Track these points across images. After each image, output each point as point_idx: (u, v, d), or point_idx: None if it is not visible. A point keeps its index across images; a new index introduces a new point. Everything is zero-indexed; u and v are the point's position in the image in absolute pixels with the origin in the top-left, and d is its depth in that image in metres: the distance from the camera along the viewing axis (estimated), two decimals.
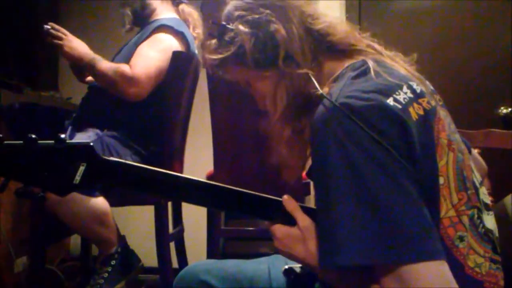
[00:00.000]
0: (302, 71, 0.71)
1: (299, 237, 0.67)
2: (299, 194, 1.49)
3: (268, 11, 0.73)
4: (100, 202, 1.40)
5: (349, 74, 0.67)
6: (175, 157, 1.70)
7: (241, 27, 0.73)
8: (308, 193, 1.58)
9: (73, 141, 0.65)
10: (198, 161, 2.03)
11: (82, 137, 1.43)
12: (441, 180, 0.61)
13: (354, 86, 0.64)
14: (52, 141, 0.63)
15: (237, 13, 0.75)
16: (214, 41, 0.77)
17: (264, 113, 0.78)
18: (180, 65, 1.60)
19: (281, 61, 0.71)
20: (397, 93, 0.62)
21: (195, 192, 0.71)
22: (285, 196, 0.71)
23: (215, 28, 0.77)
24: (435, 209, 0.60)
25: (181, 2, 1.75)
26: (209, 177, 1.71)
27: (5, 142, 0.61)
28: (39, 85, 2.79)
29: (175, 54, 1.57)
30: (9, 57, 2.91)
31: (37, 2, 3.36)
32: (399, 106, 0.60)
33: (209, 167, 1.65)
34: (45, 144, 0.63)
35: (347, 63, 0.71)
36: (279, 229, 0.69)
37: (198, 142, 2.06)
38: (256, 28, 0.72)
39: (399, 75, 0.67)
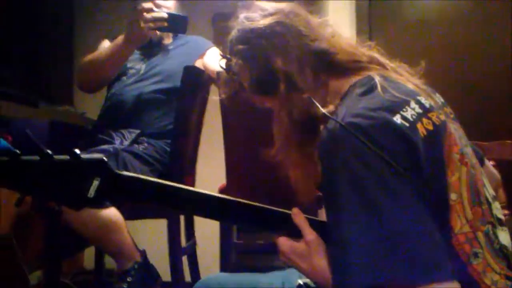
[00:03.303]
0: (304, 95, 0.71)
1: (304, 251, 0.67)
2: (312, 207, 1.48)
3: (264, 41, 0.74)
4: (112, 212, 1.42)
5: (356, 91, 0.67)
6: (187, 171, 1.71)
7: (240, 62, 0.76)
8: (321, 206, 1.58)
9: (87, 156, 0.66)
10: (210, 174, 2.03)
11: (97, 151, 1.45)
12: (454, 196, 0.61)
13: (360, 104, 0.64)
14: (67, 156, 0.64)
15: (236, 47, 0.78)
16: (223, 72, 0.83)
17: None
18: (192, 79, 1.62)
19: (282, 89, 0.73)
20: (404, 109, 0.62)
21: (205, 205, 0.72)
22: (294, 209, 0.71)
23: (223, 61, 0.82)
24: (448, 226, 0.60)
25: None
26: (222, 191, 1.71)
27: (22, 157, 0.63)
28: (54, 100, 2.84)
29: (187, 69, 1.59)
30: (25, 72, 2.98)
31: (53, 17, 3.45)
32: (406, 124, 0.60)
33: (222, 180, 1.66)
34: (60, 159, 0.64)
35: (353, 79, 0.71)
36: (285, 243, 0.69)
37: (211, 155, 2.07)
38: (254, 61, 0.75)
39: (406, 90, 0.66)
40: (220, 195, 0.73)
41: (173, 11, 1.72)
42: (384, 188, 0.57)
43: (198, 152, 1.86)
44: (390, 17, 2.41)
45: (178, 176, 1.60)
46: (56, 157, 0.64)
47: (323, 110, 0.68)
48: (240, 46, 0.76)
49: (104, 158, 0.67)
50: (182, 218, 1.78)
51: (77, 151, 0.65)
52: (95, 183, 0.65)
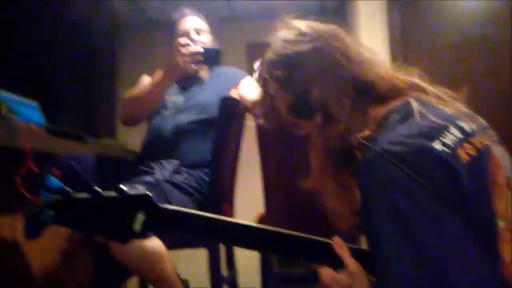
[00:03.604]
0: (339, 125, 0.71)
1: (346, 282, 0.66)
2: (353, 234, 1.45)
3: (302, 69, 0.74)
4: (155, 242, 1.44)
5: (393, 117, 0.67)
6: (225, 199, 1.73)
7: (276, 85, 0.76)
8: (362, 233, 1.54)
9: (132, 191, 0.69)
10: (249, 202, 2.04)
11: (139, 183, 1.49)
12: (502, 223, 0.59)
13: (398, 131, 0.63)
14: (114, 192, 0.68)
15: (272, 70, 0.77)
16: (260, 91, 0.82)
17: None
18: (228, 109, 1.66)
19: (317, 118, 0.73)
20: (443, 135, 0.60)
21: (244, 236, 0.73)
22: (335, 238, 0.70)
23: (259, 81, 0.82)
24: (497, 255, 0.57)
25: None
26: (260, 219, 1.71)
27: (73, 195, 0.67)
28: (98, 134, 2.98)
29: (223, 100, 1.64)
30: (71, 107, 3.14)
31: (96, 55, 3.64)
32: (446, 150, 0.59)
33: (261, 208, 1.66)
34: (108, 196, 0.68)
35: (391, 105, 0.71)
36: (327, 274, 0.68)
37: (248, 183, 2.09)
38: (290, 87, 0.74)
39: (445, 114, 0.65)
40: (259, 225, 0.74)
41: (208, 44, 1.78)
42: (423, 215, 0.56)
43: (236, 180, 1.88)
44: (425, 42, 2.38)
45: (217, 205, 1.62)
46: (104, 193, 0.68)
47: (360, 139, 0.67)
48: (277, 71, 0.76)
49: (148, 193, 0.69)
50: (222, 247, 1.79)
51: (123, 187, 0.68)
52: (140, 217, 0.68)
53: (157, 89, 1.69)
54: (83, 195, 0.67)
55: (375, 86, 0.73)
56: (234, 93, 1.81)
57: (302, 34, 0.77)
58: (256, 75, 0.83)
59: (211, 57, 1.63)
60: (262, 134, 1.56)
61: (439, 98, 0.72)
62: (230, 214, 1.79)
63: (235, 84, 1.84)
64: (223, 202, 1.70)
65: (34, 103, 1.95)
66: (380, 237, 0.58)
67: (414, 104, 0.66)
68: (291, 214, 1.54)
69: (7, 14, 2.60)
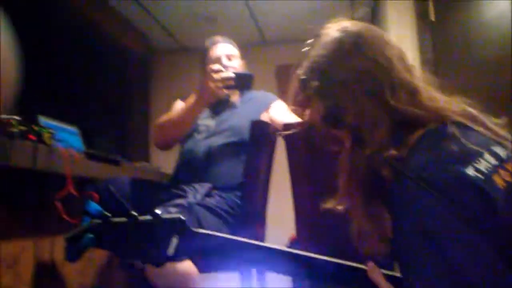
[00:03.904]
0: (370, 146, 0.69)
1: None
2: (387, 260, 1.42)
3: (339, 88, 0.72)
4: (187, 265, 1.46)
5: (428, 140, 0.66)
6: (257, 222, 1.74)
7: (311, 94, 0.75)
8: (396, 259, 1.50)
9: (166, 215, 0.72)
10: (280, 224, 2.03)
11: (172, 206, 1.52)
12: None
13: (431, 155, 0.62)
14: (150, 217, 0.70)
15: (309, 77, 0.75)
16: (298, 92, 0.80)
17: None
18: (259, 132, 1.68)
19: (347, 141, 0.72)
20: (477, 161, 0.59)
21: (277, 261, 0.73)
22: (370, 264, 0.69)
23: (298, 85, 0.79)
24: None
25: None
26: (292, 241, 1.70)
27: (112, 219, 0.69)
28: (132, 157, 3.06)
29: (254, 123, 1.66)
30: (106, 131, 3.25)
31: (130, 82, 3.78)
32: (480, 176, 0.58)
33: (292, 230, 1.65)
34: (143, 220, 0.70)
35: (427, 127, 0.69)
36: None
37: (280, 205, 2.08)
38: (324, 102, 0.73)
39: (480, 140, 0.64)
40: (291, 250, 0.74)
41: (239, 69, 1.83)
42: (457, 241, 0.55)
43: (267, 203, 1.88)
44: (456, 61, 2.34)
45: (249, 228, 1.63)
46: (140, 217, 0.70)
47: (391, 161, 0.67)
48: (313, 83, 0.74)
49: (182, 217, 0.71)
50: (254, 271, 1.78)
51: (158, 211, 0.71)
52: (174, 241, 0.70)
53: (190, 114, 1.74)
54: (121, 219, 0.70)
55: (415, 111, 0.70)
56: (265, 117, 1.84)
57: (340, 41, 0.74)
58: (296, 74, 0.79)
59: (242, 82, 1.67)
60: (294, 157, 1.56)
61: (474, 120, 0.70)
62: (262, 237, 1.78)
63: (266, 107, 1.86)
64: (255, 224, 1.70)
65: (74, 129, 2.04)
66: (412, 261, 0.58)
67: (450, 128, 0.65)
68: (323, 237, 1.52)
69: (47, 45, 2.76)
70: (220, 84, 1.62)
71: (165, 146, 1.91)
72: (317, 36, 0.78)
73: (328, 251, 0.75)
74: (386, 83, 0.71)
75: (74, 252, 0.69)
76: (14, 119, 1.32)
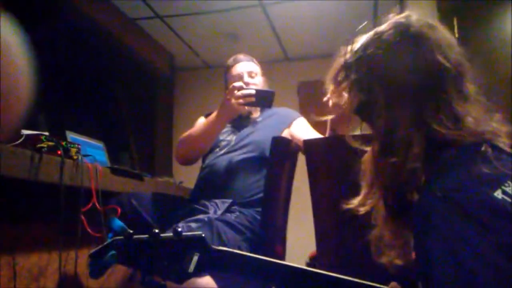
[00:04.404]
0: (395, 159, 0.67)
1: None
2: (410, 279, 1.39)
3: (379, 89, 0.69)
4: (207, 281, 1.46)
5: (459, 161, 0.64)
6: (277, 238, 1.73)
7: (354, 88, 0.72)
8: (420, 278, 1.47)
9: (188, 234, 0.73)
10: (301, 240, 2.02)
11: (193, 221, 1.53)
12: None
13: (461, 175, 0.61)
14: (171, 234, 0.71)
15: (352, 76, 0.74)
16: (339, 72, 0.77)
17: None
18: (280, 149, 1.69)
19: (376, 141, 0.70)
20: (506, 184, 0.58)
21: (297, 280, 0.72)
22: (393, 284, 0.68)
23: (342, 65, 0.76)
24: None
25: None
26: (312, 258, 1.68)
27: (134, 236, 0.71)
28: (155, 172, 3.10)
29: (275, 139, 1.67)
30: (131, 147, 3.32)
31: (154, 99, 3.85)
32: (509, 200, 0.57)
33: (312, 247, 1.64)
34: (165, 237, 0.71)
35: (460, 144, 0.66)
36: None
37: (300, 221, 2.07)
38: (362, 89, 0.70)
39: (510, 163, 0.62)
40: (313, 270, 0.73)
41: (260, 86, 1.85)
42: (484, 267, 0.53)
43: (287, 219, 1.87)
44: (481, 77, 2.30)
45: (269, 244, 1.62)
46: (162, 235, 0.71)
47: (419, 180, 0.64)
48: (357, 71, 0.72)
49: (203, 235, 0.72)
50: None
51: (179, 227, 0.72)
52: (195, 258, 0.71)
53: (211, 130, 1.77)
54: (143, 236, 0.71)
55: (454, 135, 0.66)
56: (286, 133, 1.84)
57: (397, 43, 0.71)
58: (345, 53, 0.75)
59: (263, 99, 1.68)
60: (314, 174, 1.56)
61: (509, 139, 0.67)
62: (282, 254, 1.77)
63: (288, 124, 1.87)
64: (275, 241, 1.70)
65: (100, 144, 2.10)
66: (436, 281, 0.57)
67: (484, 149, 0.63)
68: (343, 256, 1.50)
69: (77, 63, 2.86)
70: (241, 101, 1.64)
71: (187, 162, 1.93)
72: (379, 24, 0.74)
73: (348, 268, 0.75)
74: (431, 102, 0.67)
75: (97, 268, 0.71)
76: (43, 135, 1.37)
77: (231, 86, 1.69)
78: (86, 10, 2.76)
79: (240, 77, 1.86)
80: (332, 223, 1.52)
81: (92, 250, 0.72)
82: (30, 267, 1.42)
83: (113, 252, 0.70)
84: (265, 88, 1.86)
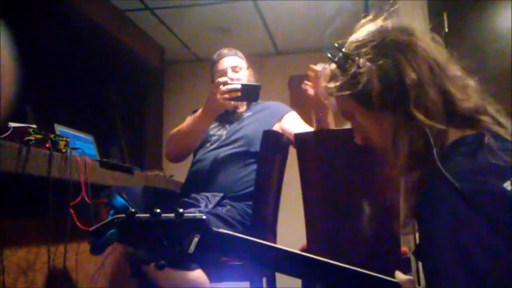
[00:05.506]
0: (429, 123, 0.65)
1: None
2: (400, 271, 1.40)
3: (398, 53, 0.69)
4: (199, 274, 1.46)
5: (464, 149, 0.64)
6: (268, 232, 1.73)
7: (369, 66, 0.69)
8: (409, 269, 1.49)
9: (189, 215, 0.73)
10: (291, 235, 2.02)
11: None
12: None
13: (469, 166, 0.61)
14: (173, 215, 0.71)
15: (364, 49, 0.72)
16: (334, 67, 0.75)
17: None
18: (271, 142, 1.69)
19: (411, 107, 0.67)
20: None
21: (298, 265, 0.73)
22: (399, 275, 0.69)
23: (338, 55, 0.75)
24: None
25: None
26: (303, 251, 1.69)
27: (136, 215, 0.71)
28: (146, 165, 3.09)
29: (266, 133, 1.67)
30: (120, 140, 3.29)
31: (144, 94, 3.82)
32: None
33: (303, 240, 1.65)
34: (166, 218, 0.71)
35: (466, 132, 0.67)
36: None
37: (291, 215, 2.08)
38: (384, 70, 0.68)
39: None
40: (312, 256, 0.74)
41: (246, 80, 1.84)
42: (491, 258, 0.54)
43: (278, 213, 1.88)
44: (471, 71, 2.32)
45: (260, 238, 1.62)
46: (163, 215, 0.71)
47: (438, 162, 0.62)
48: (370, 51, 0.71)
49: (204, 217, 0.72)
50: (264, 281, 1.77)
51: (181, 210, 0.72)
52: (195, 240, 0.71)
53: (198, 126, 1.76)
54: (144, 216, 0.71)
55: (461, 105, 0.68)
56: (277, 127, 1.84)
57: (400, 27, 0.74)
58: (335, 52, 0.75)
59: (249, 93, 1.68)
60: (305, 168, 1.56)
61: (507, 129, 0.68)
62: None
63: (279, 118, 1.87)
64: (266, 234, 1.70)
65: (89, 137, 2.07)
66: (440, 270, 0.57)
67: (488, 139, 0.63)
68: (333, 248, 1.51)
69: (65, 55, 2.82)
70: (227, 96, 1.64)
71: (177, 159, 1.93)
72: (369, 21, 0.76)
73: (338, 260, 0.75)
74: (437, 68, 0.69)
75: (98, 245, 0.71)
76: (31, 127, 1.35)
77: (215, 82, 1.68)
78: (74, 1, 2.72)
79: (224, 73, 1.86)
80: (322, 215, 1.53)
81: (93, 227, 0.71)
82: (18, 261, 1.40)
83: (113, 230, 0.69)
84: (251, 81, 1.86)
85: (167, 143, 1.92)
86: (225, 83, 1.65)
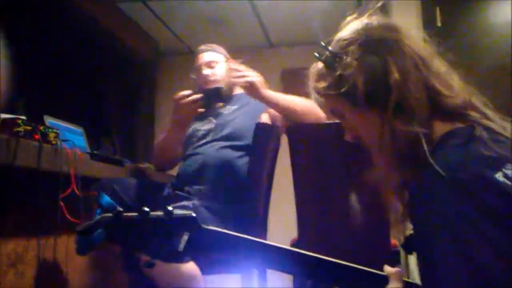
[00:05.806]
0: (412, 128, 0.66)
1: None
2: (389, 264, 1.42)
3: (384, 51, 0.70)
4: (191, 266, 1.46)
5: (456, 140, 0.64)
6: (259, 224, 1.73)
7: (355, 64, 0.70)
8: (398, 262, 1.50)
9: (178, 212, 0.72)
10: (282, 227, 2.03)
11: (178, 207, 1.52)
12: None
13: (461, 156, 0.61)
14: (161, 213, 0.71)
15: (350, 47, 0.72)
16: (321, 65, 0.76)
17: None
18: (262, 135, 1.69)
19: (390, 109, 0.68)
20: (507, 166, 0.58)
21: (286, 261, 0.73)
22: (388, 268, 0.69)
23: (325, 54, 0.75)
24: None
25: None
26: (293, 244, 1.70)
27: (124, 214, 0.70)
28: (136, 157, 3.07)
29: (257, 126, 1.66)
30: (111, 132, 3.27)
31: (136, 88, 3.80)
32: (508, 182, 0.57)
33: (293, 233, 1.65)
34: (155, 216, 0.71)
35: (456, 125, 0.68)
36: None
37: (282, 208, 2.08)
38: (370, 68, 0.69)
39: (507, 145, 0.63)
40: (303, 251, 0.74)
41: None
42: (484, 242, 0.54)
43: (269, 205, 1.88)
44: (463, 66, 2.33)
45: (251, 231, 1.62)
46: (152, 213, 0.71)
47: (428, 155, 0.63)
48: (357, 49, 0.71)
49: (194, 214, 0.72)
50: (256, 273, 1.78)
51: (170, 208, 0.71)
52: (185, 237, 0.70)
53: (174, 139, 1.79)
54: (132, 214, 0.70)
55: (447, 100, 0.69)
56: (265, 118, 1.83)
57: (384, 23, 0.75)
58: (323, 51, 0.75)
59: (213, 97, 1.70)
60: (297, 160, 1.56)
61: (503, 126, 0.68)
62: (264, 240, 1.78)
63: (265, 108, 1.86)
64: (256, 227, 1.70)
65: (79, 129, 2.05)
66: (436, 259, 0.57)
67: (481, 132, 0.64)
68: (325, 241, 1.52)
69: (56, 47, 2.79)
70: (191, 107, 1.64)
71: (165, 168, 1.98)
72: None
73: (328, 254, 0.75)
74: (422, 65, 0.70)
75: (85, 245, 0.70)
76: (20, 118, 1.33)
77: (174, 97, 1.68)
78: None
79: (198, 70, 1.89)
80: (313, 208, 1.53)
81: (80, 227, 0.70)
82: (8, 253, 1.39)
83: (102, 229, 0.68)
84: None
85: (153, 154, 1.97)
86: (184, 97, 1.64)
